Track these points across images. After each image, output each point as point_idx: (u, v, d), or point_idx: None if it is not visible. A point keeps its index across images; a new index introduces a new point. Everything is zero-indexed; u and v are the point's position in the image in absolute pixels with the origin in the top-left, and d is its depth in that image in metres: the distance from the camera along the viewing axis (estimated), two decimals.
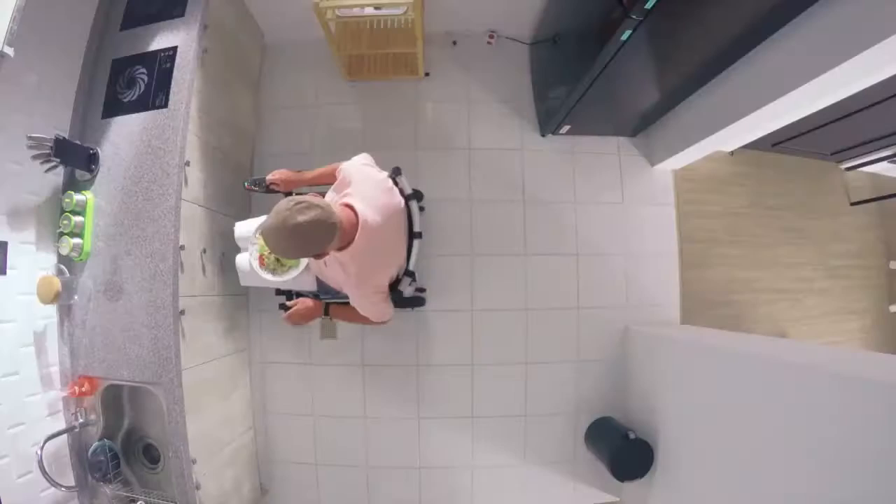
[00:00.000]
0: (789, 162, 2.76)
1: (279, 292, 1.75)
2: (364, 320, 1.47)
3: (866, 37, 1.25)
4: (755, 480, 1.39)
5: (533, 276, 2.33)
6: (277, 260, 1.58)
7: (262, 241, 1.58)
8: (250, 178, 1.69)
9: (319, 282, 1.64)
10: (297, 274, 1.59)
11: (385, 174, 1.43)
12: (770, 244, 2.66)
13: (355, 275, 1.31)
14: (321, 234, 1.13)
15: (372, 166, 1.45)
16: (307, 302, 1.54)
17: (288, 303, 1.57)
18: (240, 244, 1.71)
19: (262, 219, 1.59)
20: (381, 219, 1.29)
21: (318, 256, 1.22)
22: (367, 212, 1.25)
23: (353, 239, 1.23)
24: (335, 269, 1.37)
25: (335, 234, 1.15)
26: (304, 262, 1.59)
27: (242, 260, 1.66)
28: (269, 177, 1.60)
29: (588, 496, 2.33)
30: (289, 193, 1.67)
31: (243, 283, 1.69)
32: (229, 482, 1.94)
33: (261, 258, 1.60)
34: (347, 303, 1.50)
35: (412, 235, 1.48)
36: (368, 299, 1.38)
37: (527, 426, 2.31)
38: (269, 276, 1.59)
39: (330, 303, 1.56)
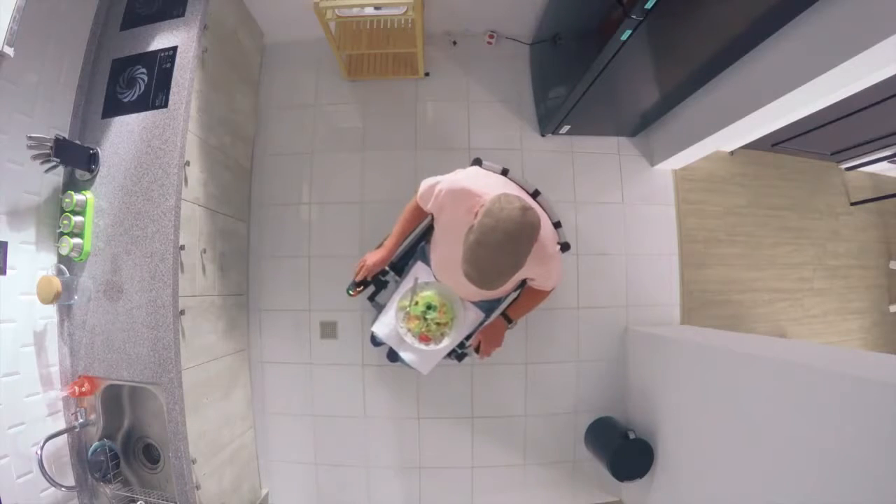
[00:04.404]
0: (789, 162, 2.76)
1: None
2: (543, 298, 1.42)
3: (866, 37, 1.25)
4: (755, 480, 1.39)
5: None
6: (437, 325, 1.46)
7: (413, 325, 1.46)
8: (349, 286, 1.54)
9: (480, 305, 1.53)
10: (461, 322, 1.47)
11: (475, 167, 1.39)
12: (770, 244, 2.66)
13: (550, 254, 1.21)
14: (538, 231, 1.00)
15: (468, 171, 1.33)
16: (488, 330, 1.47)
17: (469, 345, 1.50)
18: (390, 343, 1.53)
19: (391, 312, 1.51)
20: (527, 200, 1.20)
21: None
22: (523, 197, 1.14)
23: None
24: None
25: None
26: (460, 309, 1.47)
27: (410, 357, 1.50)
28: (362, 275, 1.49)
29: (588, 496, 2.33)
30: (384, 273, 1.57)
31: (426, 371, 1.52)
32: (229, 482, 1.94)
33: (423, 337, 1.46)
34: (513, 301, 1.49)
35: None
36: (560, 263, 1.29)
37: (527, 426, 2.31)
38: (444, 345, 1.46)
39: (505, 312, 1.48)
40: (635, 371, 2.25)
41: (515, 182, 1.36)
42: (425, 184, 1.33)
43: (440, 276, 1.48)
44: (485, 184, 1.19)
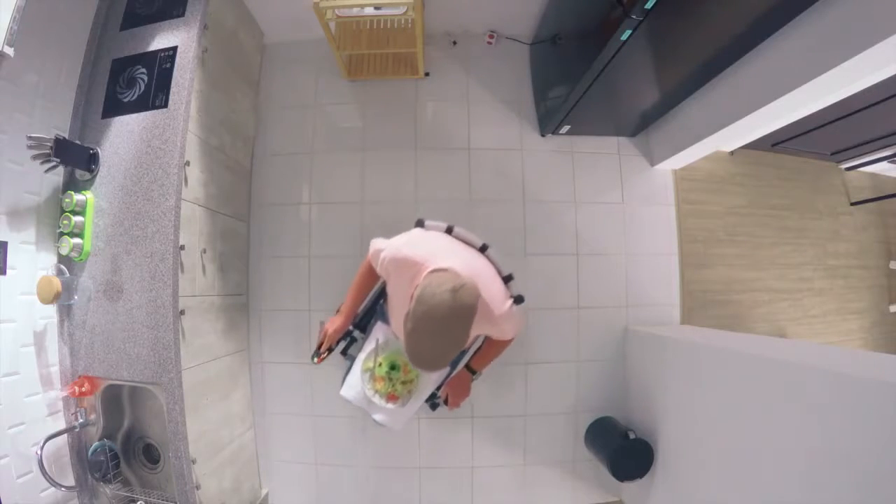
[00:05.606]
0: (789, 162, 2.76)
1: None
2: (505, 347, 1.43)
3: (866, 37, 1.25)
4: (755, 480, 1.39)
5: (533, 276, 2.33)
6: (403, 383, 1.46)
7: (379, 386, 1.47)
8: (313, 353, 1.51)
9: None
10: (426, 378, 1.48)
11: (418, 229, 1.34)
12: (770, 244, 2.66)
13: (498, 315, 1.17)
14: (473, 310, 0.96)
15: (409, 235, 1.27)
16: (454, 382, 1.49)
17: (440, 396, 1.51)
18: (360, 405, 1.53)
19: (356, 374, 1.51)
20: (470, 261, 1.18)
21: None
22: (462, 266, 1.08)
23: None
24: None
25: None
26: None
27: (381, 417, 1.50)
28: (326, 344, 1.48)
29: (588, 496, 2.32)
30: (348, 332, 1.57)
31: (399, 427, 1.52)
32: (229, 482, 1.94)
33: (391, 396, 1.45)
34: (476, 352, 1.49)
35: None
36: (514, 318, 1.25)
37: (527, 426, 2.31)
38: (410, 404, 1.47)
39: (468, 364, 1.49)
40: (635, 371, 2.25)
41: (461, 239, 1.33)
42: (373, 246, 1.30)
43: (400, 336, 1.44)
44: (427, 249, 1.16)
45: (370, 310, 1.60)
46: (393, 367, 1.46)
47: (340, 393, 1.53)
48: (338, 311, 1.50)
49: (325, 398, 2.30)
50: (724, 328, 2.46)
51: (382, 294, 1.58)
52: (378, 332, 1.52)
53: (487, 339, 1.45)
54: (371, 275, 1.40)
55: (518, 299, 1.29)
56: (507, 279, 1.31)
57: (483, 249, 1.34)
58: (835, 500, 1.12)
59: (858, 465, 1.06)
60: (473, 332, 1.13)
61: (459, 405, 1.49)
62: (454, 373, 1.52)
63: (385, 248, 1.21)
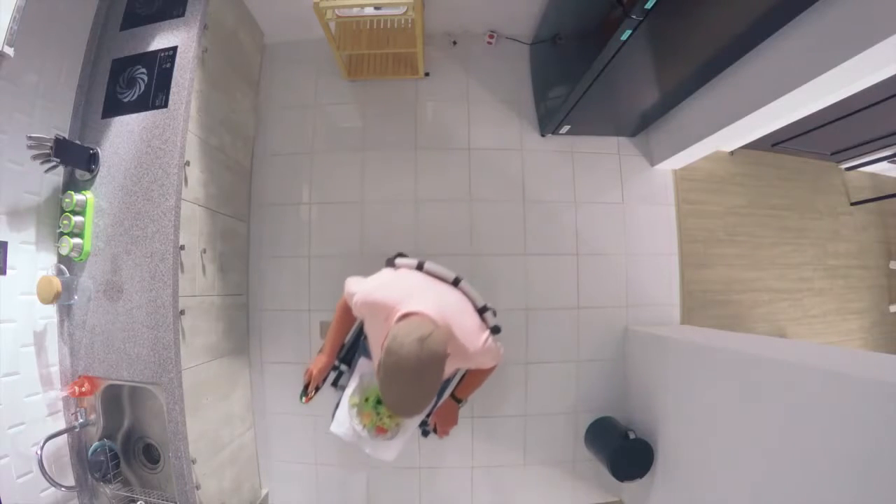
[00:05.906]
0: (789, 162, 2.77)
1: None
2: (488, 375, 1.44)
3: (866, 37, 1.25)
4: (755, 480, 1.39)
5: (533, 276, 2.33)
6: (390, 416, 1.44)
7: (366, 420, 1.47)
8: (300, 394, 1.54)
9: None
10: None
11: (388, 270, 1.34)
12: (770, 244, 2.66)
13: (474, 351, 1.17)
14: (443, 357, 0.97)
15: (380, 278, 1.28)
16: (441, 412, 1.51)
17: (429, 423, 1.53)
18: (350, 440, 1.52)
19: (344, 409, 1.51)
20: (443, 298, 1.19)
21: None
22: (434, 305, 1.09)
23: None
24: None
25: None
26: None
27: (371, 450, 1.49)
28: (312, 385, 1.50)
29: (588, 496, 2.33)
30: (335, 367, 1.59)
31: (390, 459, 1.49)
32: (229, 482, 1.94)
33: (379, 429, 1.45)
34: (459, 381, 1.50)
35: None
36: (492, 351, 1.24)
37: (527, 426, 2.31)
38: (403, 435, 1.47)
39: (453, 393, 1.52)
40: (635, 371, 2.25)
41: (433, 274, 1.33)
42: (347, 287, 1.31)
43: None
44: (398, 291, 1.16)
45: (354, 344, 1.62)
46: (379, 402, 1.46)
47: (330, 429, 1.53)
48: (320, 351, 1.51)
49: (324, 398, 2.29)
50: (724, 328, 2.46)
51: (363, 330, 1.59)
52: (362, 367, 1.53)
53: (468, 371, 1.47)
54: (348, 314, 1.41)
55: (494, 329, 1.29)
56: (482, 311, 1.30)
57: (456, 283, 1.33)
58: (834, 500, 1.12)
59: (858, 465, 1.06)
60: (449, 369, 1.15)
61: (448, 433, 1.52)
62: (440, 402, 1.54)
63: (357, 291, 1.22)
